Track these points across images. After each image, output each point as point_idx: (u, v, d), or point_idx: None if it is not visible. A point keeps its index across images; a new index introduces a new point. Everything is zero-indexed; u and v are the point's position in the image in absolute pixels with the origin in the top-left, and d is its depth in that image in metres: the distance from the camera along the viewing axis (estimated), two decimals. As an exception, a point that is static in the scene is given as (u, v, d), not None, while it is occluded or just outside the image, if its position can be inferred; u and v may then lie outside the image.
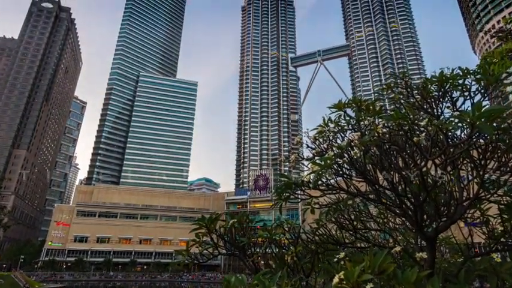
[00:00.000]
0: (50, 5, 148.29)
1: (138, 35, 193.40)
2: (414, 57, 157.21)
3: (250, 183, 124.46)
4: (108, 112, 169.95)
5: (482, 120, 2.44)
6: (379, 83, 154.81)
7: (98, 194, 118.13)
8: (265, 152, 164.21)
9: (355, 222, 3.98)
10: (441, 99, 3.43)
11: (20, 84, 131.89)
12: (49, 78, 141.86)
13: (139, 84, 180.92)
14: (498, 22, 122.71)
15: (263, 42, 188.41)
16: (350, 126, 4.00)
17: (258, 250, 3.72)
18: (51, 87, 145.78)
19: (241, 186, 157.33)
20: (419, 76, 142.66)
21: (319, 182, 3.35)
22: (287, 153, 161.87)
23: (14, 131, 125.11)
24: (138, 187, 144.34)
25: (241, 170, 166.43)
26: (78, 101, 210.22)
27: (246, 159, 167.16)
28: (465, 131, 2.85)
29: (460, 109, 3.39)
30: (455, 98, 3.46)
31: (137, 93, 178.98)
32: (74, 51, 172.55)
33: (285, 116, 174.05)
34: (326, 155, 2.99)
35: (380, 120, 3.56)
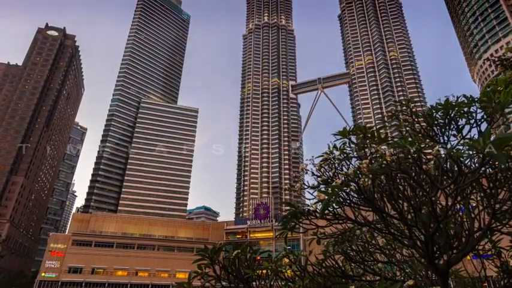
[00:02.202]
0: (55, 33, 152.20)
1: (141, 61, 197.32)
2: (414, 85, 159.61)
3: (250, 212, 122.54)
4: (108, 138, 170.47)
5: (492, 148, 2.40)
6: (379, 111, 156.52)
7: (94, 223, 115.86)
8: (266, 179, 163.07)
9: (363, 254, 3.83)
10: (447, 127, 3.42)
11: (21, 110, 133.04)
12: (51, 105, 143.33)
13: (140, 110, 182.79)
14: (496, 51, 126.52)
15: (264, 69, 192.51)
16: (355, 153, 3.95)
17: (263, 283, 3.55)
18: (53, 114, 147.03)
19: (241, 215, 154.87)
20: (419, 104, 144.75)
21: (326, 211, 3.26)
22: (288, 181, 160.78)
23: (13, 157, 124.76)
24: (136, 215, 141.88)
25: (242, 198, 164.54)
26: (78, 127, 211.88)
27: (246, 187, 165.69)
28: (474, 159, 2.82)
29: (467, 137, 3.37)
30: (461, 126, 3.45)
31: (138, 120, 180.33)
32: (76, 77, 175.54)
33: (286, 143, 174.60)
34: (333, 183, 2.93)
35: (384, 147, 3.53)
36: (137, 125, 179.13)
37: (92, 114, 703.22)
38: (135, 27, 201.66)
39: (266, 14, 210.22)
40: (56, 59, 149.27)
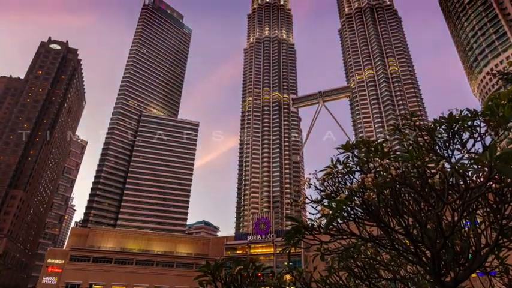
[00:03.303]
0: (58, 47, 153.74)
1: (142, 74, 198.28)
2: (415, 99, 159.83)
3: (250, 227, 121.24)
4: (108, 152, 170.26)
5: (498, 162, 2.38)
6: (380, 124, 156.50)
7: (93, 237, 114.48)
8: (267, 194, 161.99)
9: (367, 271, 3.74)
10: (451, 141, 3.40)
11: (22, 123, 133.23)
12: (52, 118, 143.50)
13: (141, 124, 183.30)
14: (496, 66, 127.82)
15: (265, 83, 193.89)
16: (358, 167, 3.92)
17: (266, 301, 3.45)
18: (53, 127, 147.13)
19: (241, 230, 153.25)
20: (420, 118, 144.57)
21: (330, 226, 3.20)
22: (289, 195, 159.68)
23: (13, 170, 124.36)
24: (135, 229, 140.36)
25: (242, 213, 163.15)
26: (79, 140, 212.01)
27: (246, 202, 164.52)
28: (480, 174, 2.79)
29: (471, 151, 3.35)
30: (464, 140, 3.43)
31: (138, 133, 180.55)
32: (78, 91, 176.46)
33: (287, 157, 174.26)
34: (338, 197, 2.88)
35: (387, 161, 3.49)
36: (138, 138, 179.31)
37: (93, 127, 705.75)
38: (137, 40, 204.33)
39: (267, 28, 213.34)
40: (58, 72, 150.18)
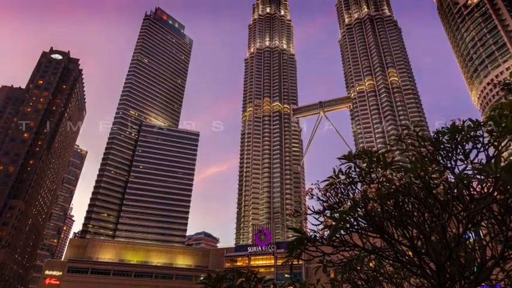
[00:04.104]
0: (59, 57, 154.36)
1: (143, 84, 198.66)
2: (416, 109, 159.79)
3: (251, 240, 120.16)
4: (108, 162, 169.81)
5: (503, 173, 2.35)
6: (381, 135, 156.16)
7: (91, 249, 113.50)
8: (267, 204, 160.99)
9: (371, 283, 3.67)
10: (454, 151, 3.39)
11: (22, 133, 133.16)
12: (52, 128, 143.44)
13: (141, 133, 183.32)
14: (496, 76, 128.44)
15: (265, 93, 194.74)
16: (361, 178, 3.89)
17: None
18: (54, 137, 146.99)
19: (241, 240, 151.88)
20: (423, 128, 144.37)
21: (333, 238, 3.15)
22: (290, 206, 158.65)
23: (12, 180, 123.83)
24: (134, 240, 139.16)
25: (242, 224, 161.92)
26: (78, 150, 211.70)
27: (247, 212, 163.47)
28: (484, 185, 2.76)
29: (475, 161, 3.33)
30: (467, 150, 3.41)
31: (138, 143, 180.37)
32: (78, 100, 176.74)
33: (288, 167, 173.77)
34: (341, 208, 2.85)
35: (390, 171, 3.46)
36: (138, 147, 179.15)
37: (93, 136, 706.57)
38: (139, 50, 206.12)
39: (267, 38, 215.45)
40: (59, 82, 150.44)
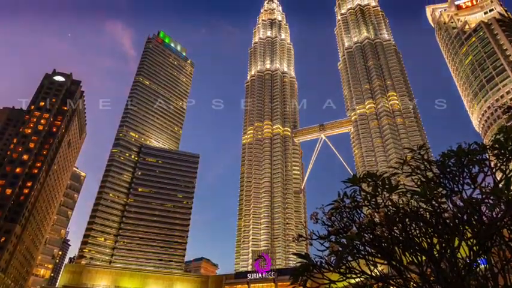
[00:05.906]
0: (62, 79, 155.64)
1: (144, 106, 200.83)
2: (418, 132, 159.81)
3: (250, 266, 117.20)
4: (107, 184, 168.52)
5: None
6: (383, 158, 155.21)
7: (87, 275, 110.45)
8: (267, 229, 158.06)
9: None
10: (460, 175, 3.33)
11: (21, 155, 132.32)
12: (52, 150, 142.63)
13: (140, 156, 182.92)
14: (497, 100, 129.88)
15: (265, 116, 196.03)
16: (366, 201, 3.81)
17: None
18: (53, 160, 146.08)
19: (241, 267, 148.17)
20: (426, 151, 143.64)
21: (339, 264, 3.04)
22: (292, 230, 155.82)
23: (10, 203, 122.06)
24: (131, 265, 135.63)
25: (242, 250, 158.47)
26: (77, 172, 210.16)
27: (246, 238, 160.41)
28: (495, 209, 2.70)
29: (482, 185, 3.27)
30: (474, 174, 3.36)
31: (138, 165, 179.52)
32: (79, 122, 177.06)
33: (288, 190, 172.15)
34: (348, 233, 2.76)
35: (395, 195, 3.39)
36: (137, 170, 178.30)
37: (92, 158, 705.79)
38: (141, 72, 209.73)
39: (268, 61, 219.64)
40: (60, 104, 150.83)
